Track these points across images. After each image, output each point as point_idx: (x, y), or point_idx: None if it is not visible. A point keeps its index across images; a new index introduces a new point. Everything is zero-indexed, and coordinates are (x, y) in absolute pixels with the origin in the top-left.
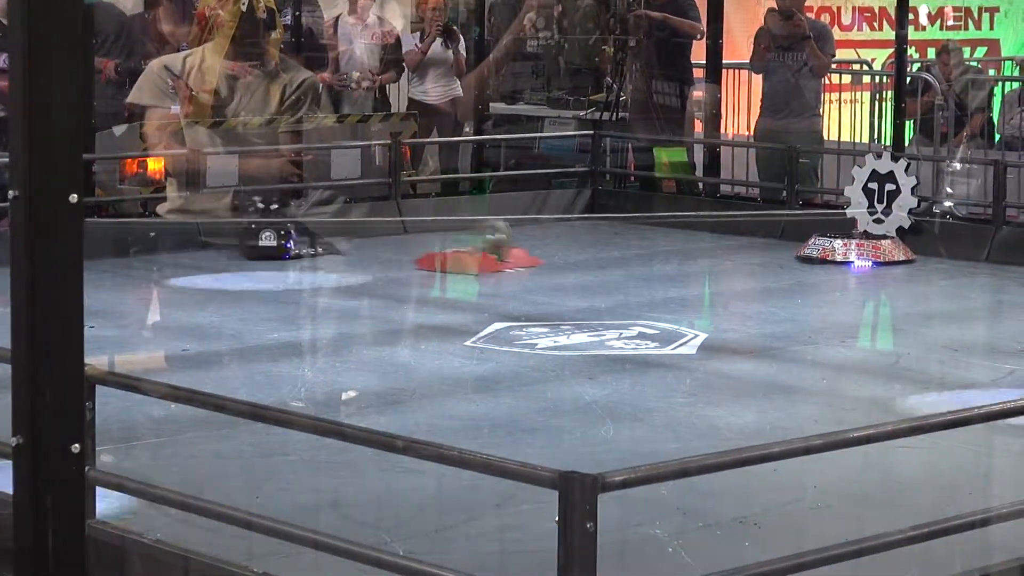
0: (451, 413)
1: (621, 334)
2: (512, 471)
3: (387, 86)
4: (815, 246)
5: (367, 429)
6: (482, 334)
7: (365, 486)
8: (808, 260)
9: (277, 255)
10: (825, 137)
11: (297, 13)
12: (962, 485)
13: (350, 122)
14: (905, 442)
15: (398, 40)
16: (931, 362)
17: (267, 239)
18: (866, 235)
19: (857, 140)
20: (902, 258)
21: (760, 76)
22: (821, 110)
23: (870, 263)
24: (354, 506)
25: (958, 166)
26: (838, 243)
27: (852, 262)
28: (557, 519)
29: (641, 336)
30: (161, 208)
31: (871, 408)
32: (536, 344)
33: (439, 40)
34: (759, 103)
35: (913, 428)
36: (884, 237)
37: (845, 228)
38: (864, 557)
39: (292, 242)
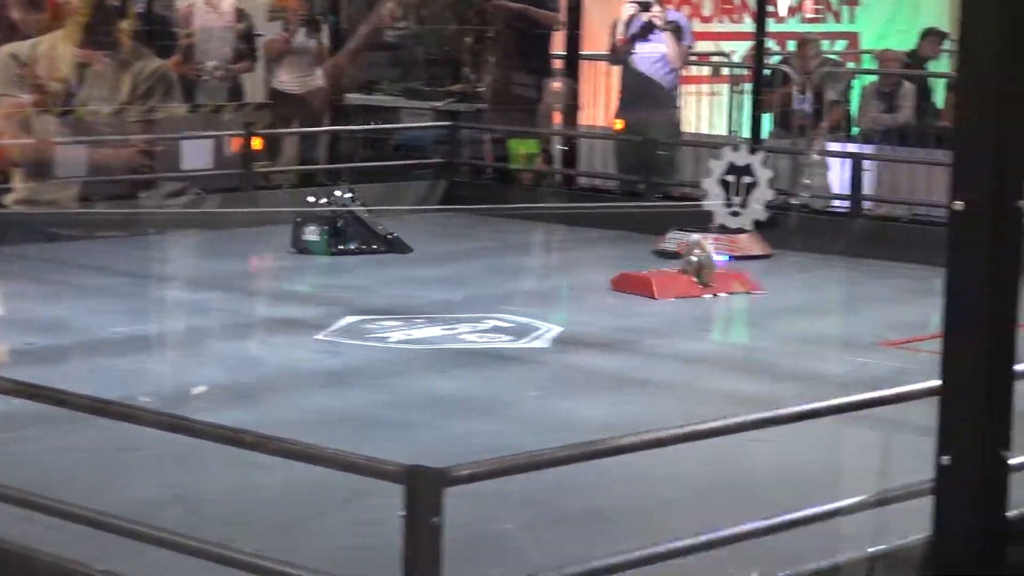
0: (301, 407)
1: (475, 327)
2: (358, 465)
3: (243, 75)
4: (672, 240)
5: (215, 424)
6: (334, 327)
7: (213, 482)
8: (665, 254)
9: (323, 251)
10: (683, 129)
11: (150, 0)
12: (813, 478)
13: (203, 112)
14: (757, 435)
15: (252, 28)
16: (785, 355)
17: (311, 233)
18: (723, 229)
19: (715, 132)
20: (759, 252)
21: (618, 68)
22: (679, 102)
23: (727, 257)
24: (202, 502)
25: (815, 159)
26: (695, 237)
27: None
28: (403, 514)
29: (495, 329)
30: (8, 199)
31: (724, 401)
32: (388, 337)
33: (302, 29)
34: (617, 95)
35: (765, 420)
36: (741, 231)
37: (703, 221)
38: (715, 550)
39: (339, 237)
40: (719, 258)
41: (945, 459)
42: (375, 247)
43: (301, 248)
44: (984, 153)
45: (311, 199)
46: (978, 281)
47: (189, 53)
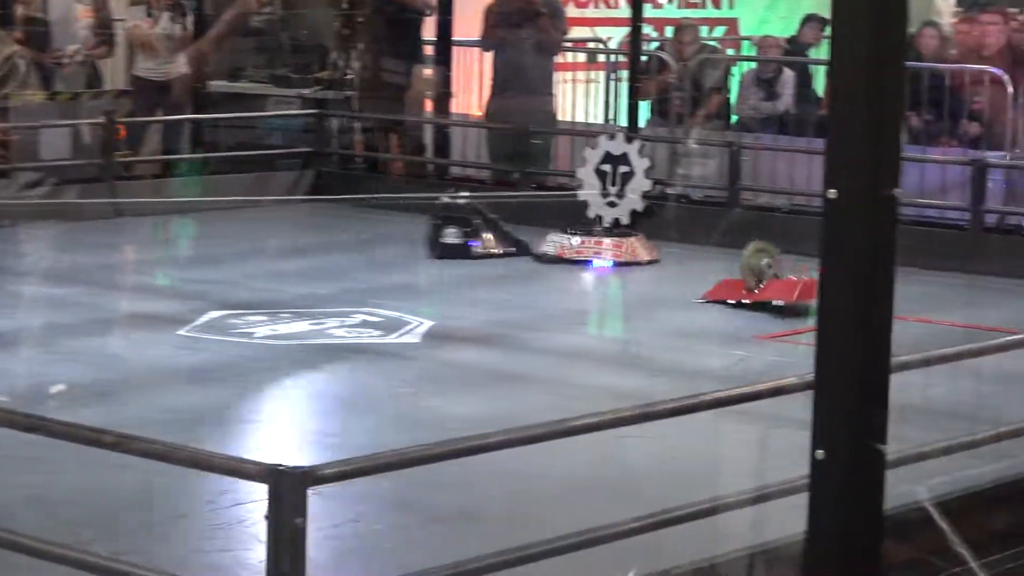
0: (164, 405)
1: (343, 322)
2: (220, 465)
3: (102, 62)
4: (552, 242)
5: (73, 423)
6: (197, 323)
7: (71, 483)
8: (545, 259)
9: (464, 254)
10: (559, 117)
11: None
12: (691, 473)
13: (61, 100)
14: (634, 430)
15: (111, 13)
16: (662, 349)
17: (451, 236)
18: (608, 232)
19: (592, 121)
20: (646, 258)
21: (491, 54)
22: (553, 89)
23: (611, 263)
24: (58, 504)
25: (693, 148)
26: (576, 240)
27: (591, 261)
28: (266, 514)
29: (364, 324)
30: None
31: (600, 396)
32: (254, 333)
33: (167, 15)
34: (489, 82)
35: (641, 415)
36: (629, 234)
37: (583, 221)
38: (591, 548)
39: (478, 239)
40: (602, 263)
41: (820, 453)
42: (508, 250)
43: (441, 253)
44: (858, 141)
45: (443, 199)
46: (852, 271)
47: (46, 39)
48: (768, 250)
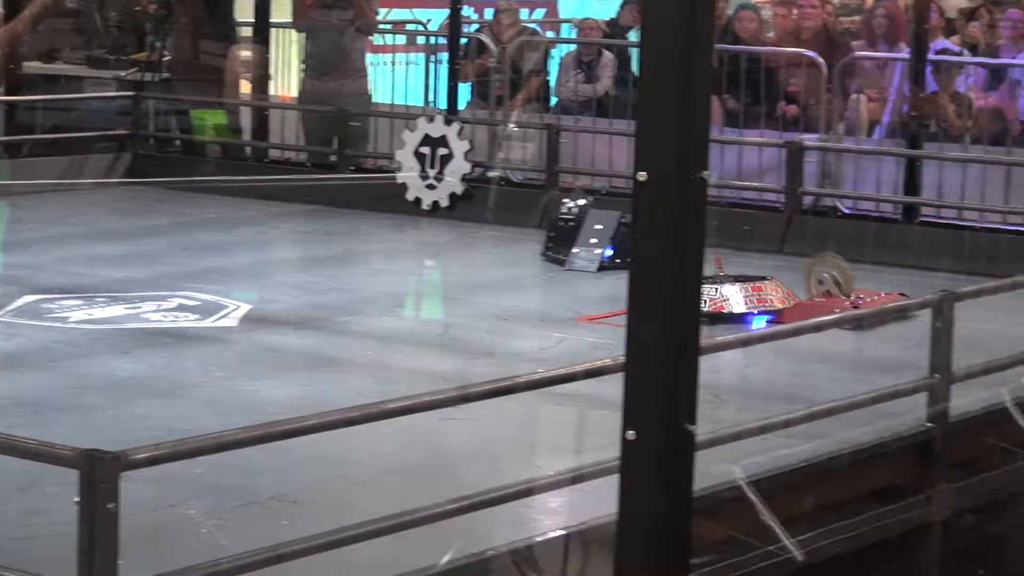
0: None
1: (159, 306)
2: (31, 451)
3: None
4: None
5: None
6: (10, 307)
7: None
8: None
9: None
10: (378, 100)
11: None
12: (508, 455)
13: None
14: (451, 413)
15: None
16: (480, 332)
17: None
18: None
19: (412, 103)
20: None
21: (303, 35)
22: (366, 71)
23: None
24: None
25: (513, 130)
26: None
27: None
28: (77, 499)
29: (180, 308)
30: None
31: (418, 379)
32: (68, 317)
33: None
34: (302, 63)
35: (457, 397)
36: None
37: (397, 194)
38: (406, 531)
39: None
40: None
41: (631, 434)
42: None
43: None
44: (667, 123)
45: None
46: (661, 253)
47: None
48: (839, 268)
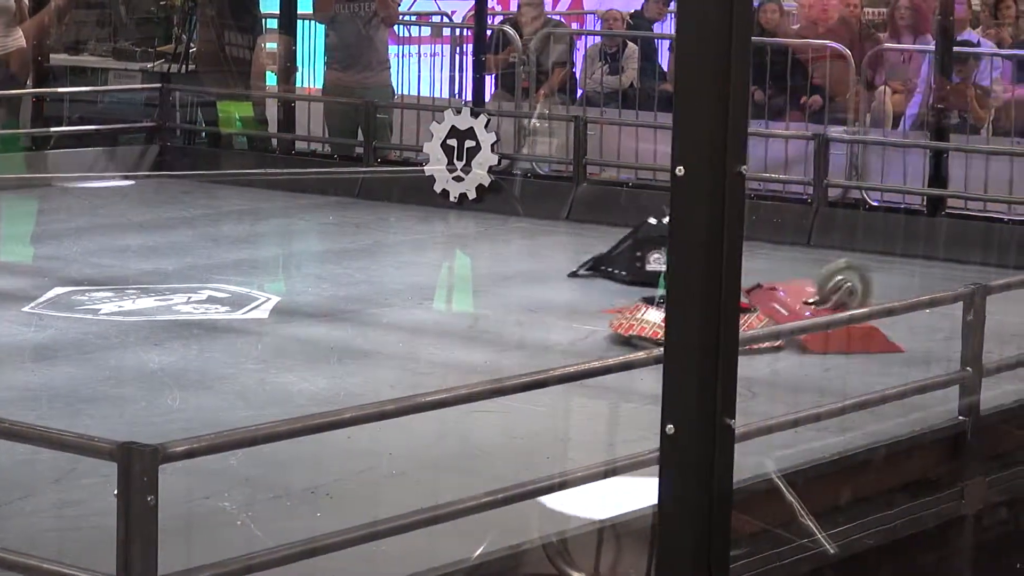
0: (8, 383)
1: (190, 298)
2: (69, 443)
3: None
4: None
5: None
6: (41, 299)
7: None
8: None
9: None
10: (405, 92)
11: None
12: (539, 449)
13: None
14: (483, 406)
15: None
16: (510, 324)
17: (657, 263)
18: None
19: (437, 95)
20: None
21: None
22: (389, 62)
23: None
24: None
25: (537, 123)
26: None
27: None
28: (117, 492)
29: (211, 300)
30: None
31: (449, 372)
32: (99, 309)
33: None
34: (326, 55)
35: (489, 391)
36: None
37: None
38: (440, 524)
39: None
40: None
41: (670, 428)
42: None
43: (643, 279)
44: (704, 117)
45: (652, 221)
46: (700, 248)
47: None
48: (863, 279)
